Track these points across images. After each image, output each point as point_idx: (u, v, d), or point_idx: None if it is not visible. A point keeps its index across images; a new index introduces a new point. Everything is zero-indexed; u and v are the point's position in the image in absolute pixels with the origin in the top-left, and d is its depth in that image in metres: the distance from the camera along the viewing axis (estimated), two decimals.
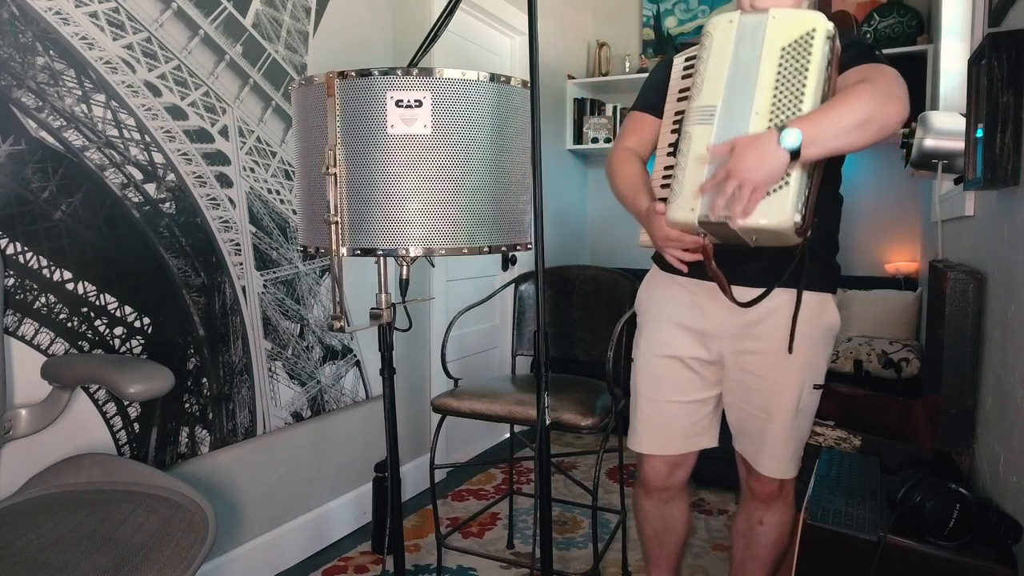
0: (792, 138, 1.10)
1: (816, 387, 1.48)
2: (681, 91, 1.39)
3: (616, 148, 1.57)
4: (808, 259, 1.33)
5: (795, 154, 1.11)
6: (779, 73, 1.16)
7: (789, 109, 1.15)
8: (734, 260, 1.37)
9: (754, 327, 1.44)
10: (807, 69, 1.14)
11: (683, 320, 1.51)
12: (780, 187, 1.14)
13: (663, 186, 1.38)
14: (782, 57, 1.16)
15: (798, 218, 1.14)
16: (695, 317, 1.50)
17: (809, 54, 1.15)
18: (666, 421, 1.55)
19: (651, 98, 1.54)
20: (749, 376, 1.47)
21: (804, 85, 1.14)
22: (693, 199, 1.18)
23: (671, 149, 1.37)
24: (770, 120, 1.16)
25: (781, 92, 1.16)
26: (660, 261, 1.58)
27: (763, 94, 1.16)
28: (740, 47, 1.19)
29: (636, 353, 1.60)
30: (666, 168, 1.40)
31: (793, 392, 1.45)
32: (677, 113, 1.39)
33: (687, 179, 1.20)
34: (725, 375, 1.52)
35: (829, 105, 1.16)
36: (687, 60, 1.41)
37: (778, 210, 1.13)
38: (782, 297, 1.40)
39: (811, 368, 1.46)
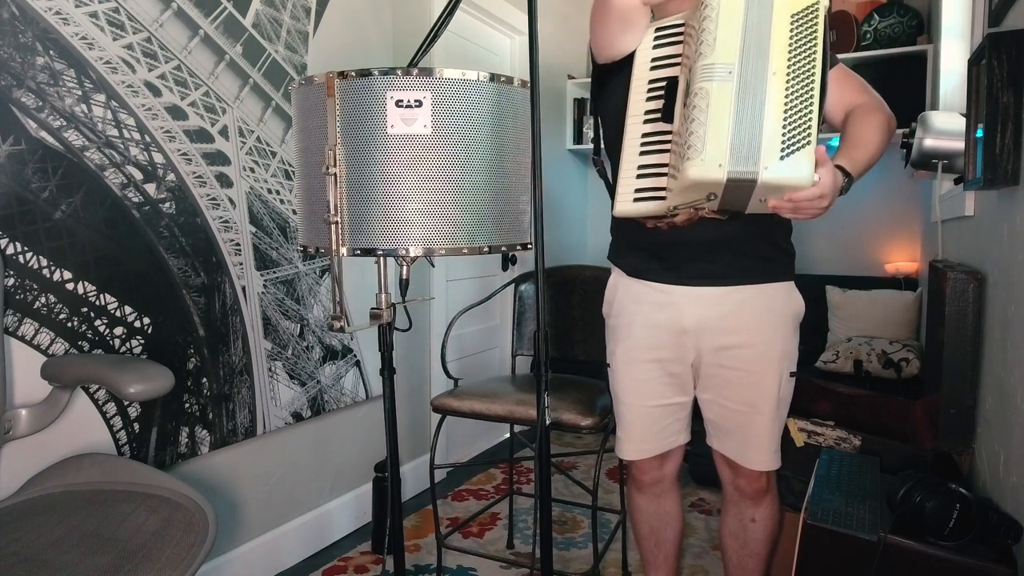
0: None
1: (792, 374, 1.51)
2: (654, 59, 1.39)
3: None
4: (771, 250, 1.48)
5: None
6: (791, 38, 1.21)
7: (805, 75, 1.20)
8: (699, 257, 1.45)
9: (729, 320, 1.46)
10: (816, 37, 1.20)
11: (657, 322, 1.51)
12: (806, 144, 1.17)
13: (647, 152, 1.37)
14: (792, 24, 1.21)
15: (817, 176, 1.19)
16: (669, 315, 1.50)
17: (816, 24, 1.20)
18: (647, 426, 1.56)
19: None
20: (728, 371, 1.48)
21: (815, 53, 1.20)
22: (720, 156, 1.18)
23: (649, 116, 1.37)
24: (787, 81, 1.20)
25: (795, 57, 1.21)
26: (623, 263, 1.58)
27: (779, 56, 1.20)
28: (750, 9, 1.22)
29: (612, 359, 1.60)
30: (647, 135, 1.39)
31: (774, 382, 1.47)
32: (652, 82, 1.39)
33: (710, 135, 1.19)
34: (703, 372, 1.52)
35: (865, 146, 1.36)
36: (659, 30, 1.41)
37: (804, 166, 1.17)
38: (752, 289, 1.47)
39: (788, 356, 1.49)
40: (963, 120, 1.82)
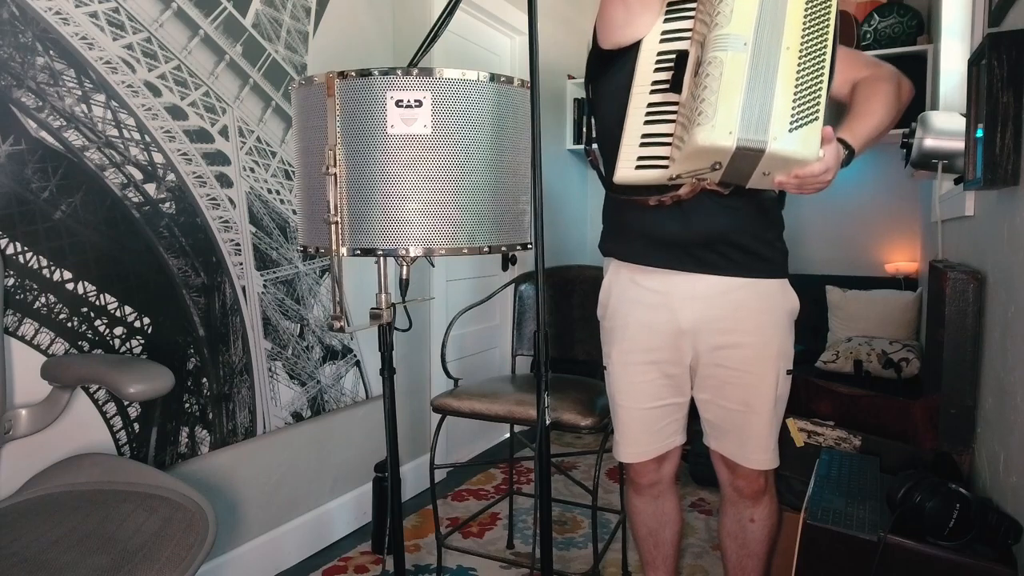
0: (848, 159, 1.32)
1: (788, 372, 1.51)
2: (664, 32, 1.39)
3: None
4: (764, 248, 1.47)
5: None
6: (805, 17, 1.23)
7: (817, 53, 1.22)
8: (694, 247, 1.44)
9: (724, 321, 1.46)
10: (828, 18, 1.23)
11: (653, 323, 1.50)
12: (814, 119, 1.18)
13: (652, 121, 1.36)
14: (807, 3, 1.24)
15: (822, 152, 1.20)
16: (665, 318, 1.49)
17: (829, 6, 1.24)
18: (644, 428, 1.56)
19: None
20: (725, 371, 1.48)
21: (827, 33, 1.22)
22: (731, 123, 1.18)
23: (656, 87, 1.37)
24: (800, 57, 1.21)
25: (808, 35, 1.23)
26: (617, 248, 1.57)
27: (792, 33, 1.22)
28: None
29: (608, 361, 1.60)
30: (653, 105, 1.38)
31: (771, 381, 1.47)
32: (661, 54, 1.38)
33: (721, 103, 1.19)
34: (700, 373, 1.52)
35: (869, 116, 1.36)
36: (671, 5, 1.40)
37: (812, 141, 1.18)
38: (747, 289, 1.46)
39: (784, 355, 1.49)
40: (963, 120, 1.82)
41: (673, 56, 1.34)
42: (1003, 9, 1.57)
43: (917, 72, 3.15)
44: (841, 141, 1.29)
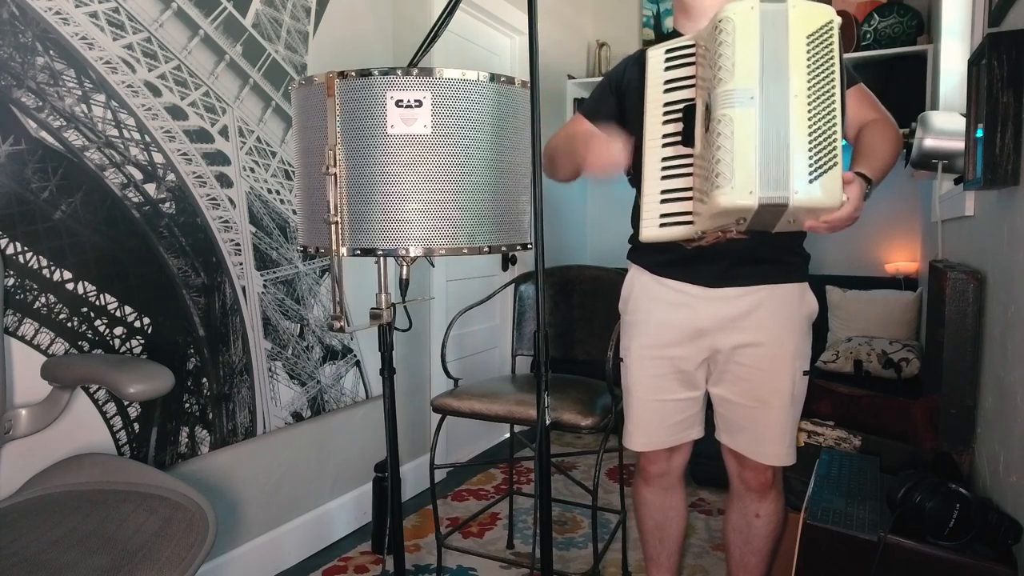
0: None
1: (804, 373, 1.53)
2: (667, 82, 1.38)
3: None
4: (787, 255, 1.51)
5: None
6: (808, 60, 1.21)
7: (825, 95, 1.20)
8: (719, 262, 1.47)
9: (744, 320, 1.48)
10: (832, 56, 1.21)
11: (672, 320, 1.53)
12: (833, 165, 1.18)
13: (668, 176, 1.36)
14: (808, 45, 1.21)
15: (845, 196, 1.20)
16: (684, 315, 1.52)
17: (831, 43, 1.21)
18: (658, 419, 1.59)
19: (599, 105, 1.63)
20: (742, 368, 1.50)
21: (833, 73, 1.20)
22: (750, 182, 1.17)
23: (667, 140, 1.36)
24: (809, 103, 1.19)
25: (814, 78, 1.21)
26: (641, 259, 1.60)
27: (798, 79, 1.20)
28: (765, 33, 1.21)
29: (626, 354, 1.62)
30: (668, 159, 1.37)
31: (787, 380, 1.49)
32: (667, 104, 1.38)
33: (737, 162, 1.18)
34: (716, 368, 1.54)
35: (882, 157, 1.38)
36: (669, 52, 1.39)
37: (834, 188, 1.18)
38: (766, 291, 1.49)
39: (801, 355, 1.52)
40: (963, 120, 1.82)
41: (680, 106, 1.34)
42: (1003, 9, 1.57)
43: (917, 72, 3.16)
44: (860, 175, 1.29)
